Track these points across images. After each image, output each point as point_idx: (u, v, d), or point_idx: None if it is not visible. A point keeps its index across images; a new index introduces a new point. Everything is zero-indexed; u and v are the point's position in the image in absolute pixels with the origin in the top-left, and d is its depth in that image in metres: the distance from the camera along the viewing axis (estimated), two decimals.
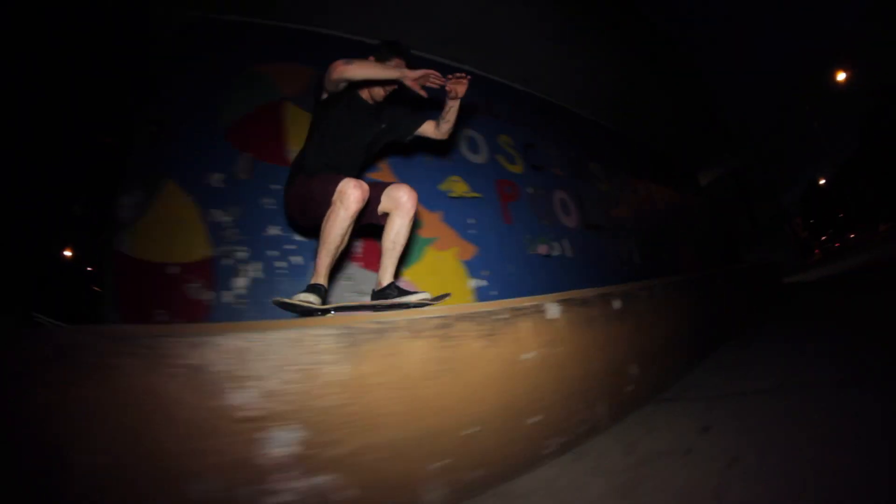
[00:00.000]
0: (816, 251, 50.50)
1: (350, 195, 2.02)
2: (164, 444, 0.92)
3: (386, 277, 2.29)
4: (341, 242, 2.09)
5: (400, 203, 2.28)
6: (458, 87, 2.32)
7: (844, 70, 21.45)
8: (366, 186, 2.10)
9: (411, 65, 2.44)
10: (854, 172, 47.24)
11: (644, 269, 6.62)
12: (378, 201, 2.35)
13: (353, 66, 2.19)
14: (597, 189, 6.60)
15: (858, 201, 47.28)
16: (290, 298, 1.93)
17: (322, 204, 2.12)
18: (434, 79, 2.22)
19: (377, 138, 2.59)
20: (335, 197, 2.05)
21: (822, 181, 59.02)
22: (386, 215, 2.35)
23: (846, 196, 49.69)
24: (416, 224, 2.41)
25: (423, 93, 2.22)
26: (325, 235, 2.07)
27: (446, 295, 2.37)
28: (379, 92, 2.52)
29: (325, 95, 2.36)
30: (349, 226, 2.07)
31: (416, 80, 2.20)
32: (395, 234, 2.28)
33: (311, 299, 1.96)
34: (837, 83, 21.32)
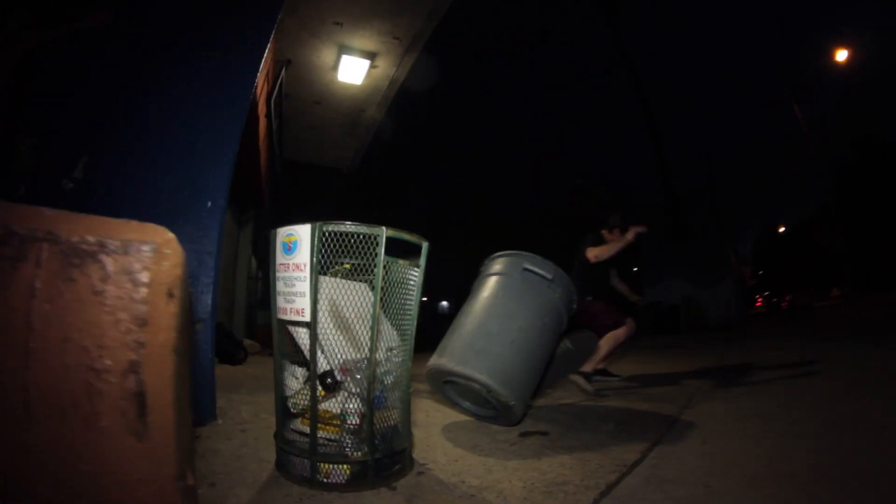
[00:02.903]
0: (759, 301, 48.57)
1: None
2: None
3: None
4: None
5: None
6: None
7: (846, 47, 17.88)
8: None
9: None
10: (817, 228, 45.07)
11: None
12: None
13: (599, 252, 3.94)
14: None
15: (816, 260, 45.27)
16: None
17: (601, 318, 3.88)
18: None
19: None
20: (626, 326, 3.83)
21: (782, 229, 56.34)
22: None
23: (804, 252, 47.52)
24: None
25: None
26: (611, 344, 3.78)
27: None
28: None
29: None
30: None
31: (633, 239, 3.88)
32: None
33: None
34: (838, 63, 17.97)
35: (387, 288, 1.68)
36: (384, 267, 1.62)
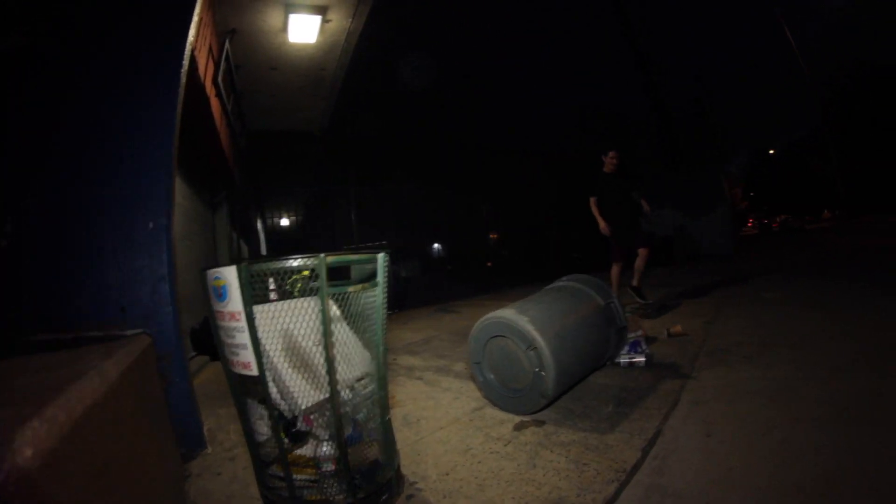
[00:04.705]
0: (750, 222, 49.25)
1: None
2: None
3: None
4: None
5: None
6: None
7: None
8: None
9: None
10: (808, 150, 45.06)
11: None
12: None
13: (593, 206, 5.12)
14: None
15: (808, 182, 45.51)
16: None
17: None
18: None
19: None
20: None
21: (772, 151, 56.49)
22: None
23: (795, 174, 47.56)
24: None
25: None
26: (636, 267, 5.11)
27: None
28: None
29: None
30: None
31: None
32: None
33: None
34: None
35: (344, 320, 1.48)
36: (335, 299, 1.41)
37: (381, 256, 1.58)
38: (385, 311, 1.63)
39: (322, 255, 1.35)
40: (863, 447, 1.67)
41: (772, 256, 11.42)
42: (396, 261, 12.23)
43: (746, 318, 4.14)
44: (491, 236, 25.36)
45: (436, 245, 27.85)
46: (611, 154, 5.18)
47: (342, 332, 1.64)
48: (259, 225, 11.78)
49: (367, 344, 1.60)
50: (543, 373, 2.26)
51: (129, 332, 2.25)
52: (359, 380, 1.61)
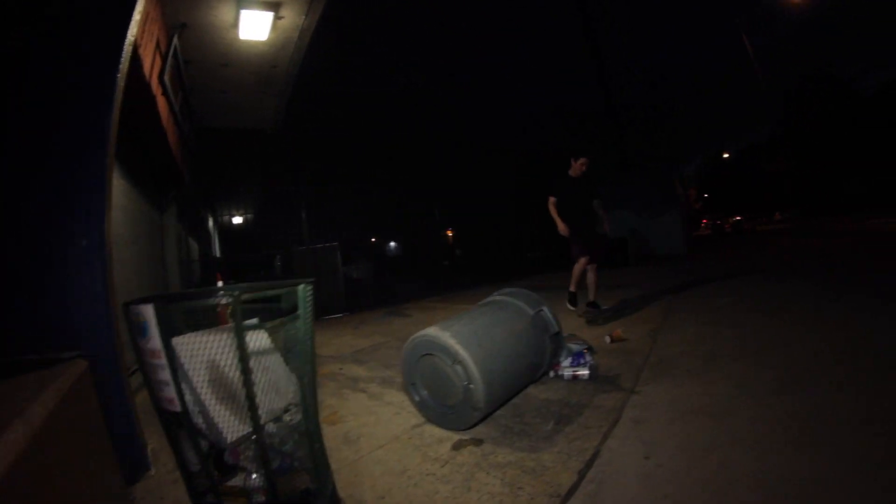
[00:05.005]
0: (704, 221, 51.53)
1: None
2: None
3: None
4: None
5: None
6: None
7: None
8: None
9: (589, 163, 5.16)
10: (762, 154, 47.49)
11: None
12: None
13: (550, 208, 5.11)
14: None
15: (760, 184, 47.80)
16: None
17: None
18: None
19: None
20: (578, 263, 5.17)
21: (726, 155, 59.04)
22: None
23: (748, 176, 49.85)
24: None
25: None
26: (588, 276, 5.24)
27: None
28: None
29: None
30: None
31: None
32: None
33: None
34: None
35: (269, 354, 1.49)
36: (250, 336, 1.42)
37: (301, 289, 1.58)
38: (312, 341, 1.64)
39: (237, 291, 1.35)
40: (805, 471, 1.63)
41: (725, 258, 11.61)
42: (348, 262, 12.13)
43: (695, 325, 4.12)
44: (447, 233, 25.21)
45: (392, 243, 27.65)
46: (581, 160, 5.12)
47: (270, 361, 1.65)
48: (210, 224, 11.41)
49: (296, 371, 1.61)
50: (472, 385, 2.32)
51: (65, 355, 2.15)
52: (286, 410, 1.62)
